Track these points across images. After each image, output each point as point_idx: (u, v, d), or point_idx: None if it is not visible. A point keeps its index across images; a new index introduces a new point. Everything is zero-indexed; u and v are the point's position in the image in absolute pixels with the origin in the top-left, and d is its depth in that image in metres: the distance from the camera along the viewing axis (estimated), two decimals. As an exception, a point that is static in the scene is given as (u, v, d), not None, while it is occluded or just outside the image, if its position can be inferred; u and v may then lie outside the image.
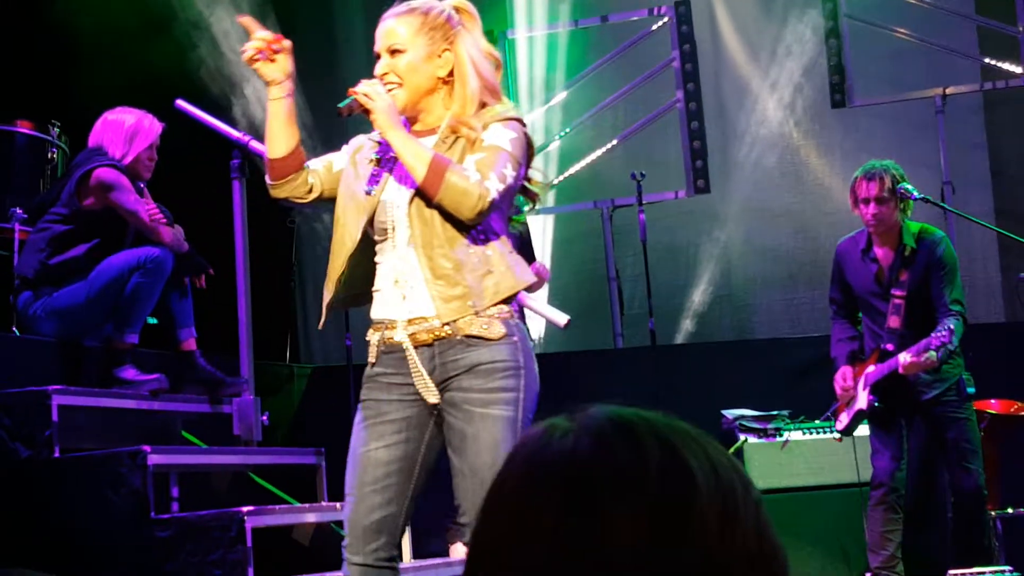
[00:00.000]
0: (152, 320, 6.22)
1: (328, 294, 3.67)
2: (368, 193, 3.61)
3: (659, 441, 1.12)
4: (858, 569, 6.64)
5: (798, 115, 11.34)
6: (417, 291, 3.53)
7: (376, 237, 3.63)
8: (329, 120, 10.44)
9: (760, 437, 7.33)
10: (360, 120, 3.70)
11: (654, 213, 9.52)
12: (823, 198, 10.82)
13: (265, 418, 6.25)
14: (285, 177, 3.68)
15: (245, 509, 4.93)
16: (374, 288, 3.65)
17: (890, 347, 6.00)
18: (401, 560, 3.71)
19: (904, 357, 5.82)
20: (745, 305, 11.36)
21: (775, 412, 7.49)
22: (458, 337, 3.50)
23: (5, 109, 7.19)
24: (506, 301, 3.55)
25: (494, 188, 3.44)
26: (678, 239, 11.25)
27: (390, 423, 3.57)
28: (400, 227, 3.56)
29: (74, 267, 6.01)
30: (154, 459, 5.05)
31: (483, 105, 3.63)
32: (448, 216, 3.48)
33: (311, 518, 5.63)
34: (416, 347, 3.53)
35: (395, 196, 3.58)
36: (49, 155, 7.21)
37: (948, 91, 10.22)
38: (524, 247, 6.37)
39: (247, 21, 3.63)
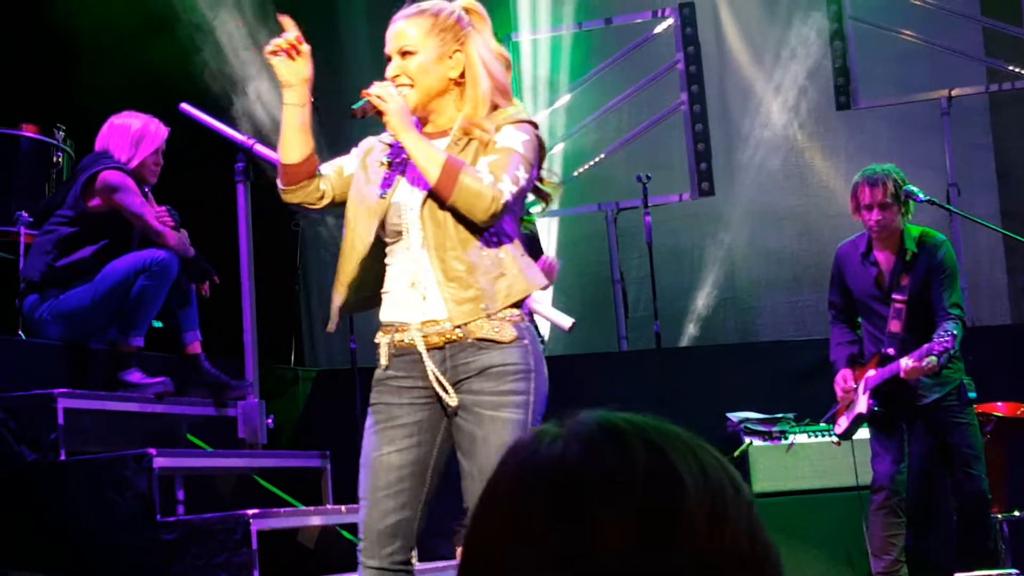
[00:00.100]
0: (157, 323, 6.22)
1: (339, 298, 3.66)
2: (381, 196, 3.60)
3: (646, 445, 1.13)
4: (862, 572, 6.63)
5: (803, 117, 11.33)
6: (431, 293, 3.53)
7: (388, 240, 3.62)
8: (332, 121, 10.46)
9: (765, 440, 7.32)
10: (364, 122, 3.70)
11: (658, 215, 9.52)
12: (828, 200, 10.81)
13: (270, 421, 6.26)
14: (298, 183, 3.67)
15: (250, 512, 4.93)
16: (384, 290, 3.65)
17: (891, 351, 5.99)
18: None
19: (906, 362, 5.81)
20: (750, 307, 11.36)
21: (780, 415, 7.49)
22: (469, 340, 3.50)
23: (10, 113, 7.19)
24: (518, 304, 3.55)
25: (507, 190, 3.43)
26: (682, 242, 11.25)
27: (401, 427, 3.57)
28: (413, 229, 3.56)
29: (80, 269, 6.01)
30: (159, 462, 5.05)
31: (495, 107, 3.63)
32: (461, 218, 3.47)
33: (316, 521, 5.63)
34: (428, 350, 3.53)
35: (407, 198, 3.57)
36: (54, 159, 7.22)
37: (954, 93, 10.21)
38: (533, 246, 6.36)
39: (286, 20, 3.62)
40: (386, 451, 3.56)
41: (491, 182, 3.42)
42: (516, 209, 3.59)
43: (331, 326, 3.76)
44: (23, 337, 6.22)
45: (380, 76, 3.65)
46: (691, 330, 11.16)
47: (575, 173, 10.61)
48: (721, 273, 11.29)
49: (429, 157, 3.45)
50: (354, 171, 3.73)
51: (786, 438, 7.29)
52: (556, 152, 10.72)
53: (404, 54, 3.61)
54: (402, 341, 3.57)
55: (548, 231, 10.93)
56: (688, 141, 10.40)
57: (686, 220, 11.14)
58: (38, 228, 6.25)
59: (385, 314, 3.64)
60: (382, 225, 3.59)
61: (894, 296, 6.03)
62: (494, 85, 3.63)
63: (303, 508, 5.85)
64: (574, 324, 4.27)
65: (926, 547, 6.67)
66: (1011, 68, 10.34)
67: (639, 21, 11.03)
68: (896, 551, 6.06)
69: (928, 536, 6.68)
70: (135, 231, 6.14)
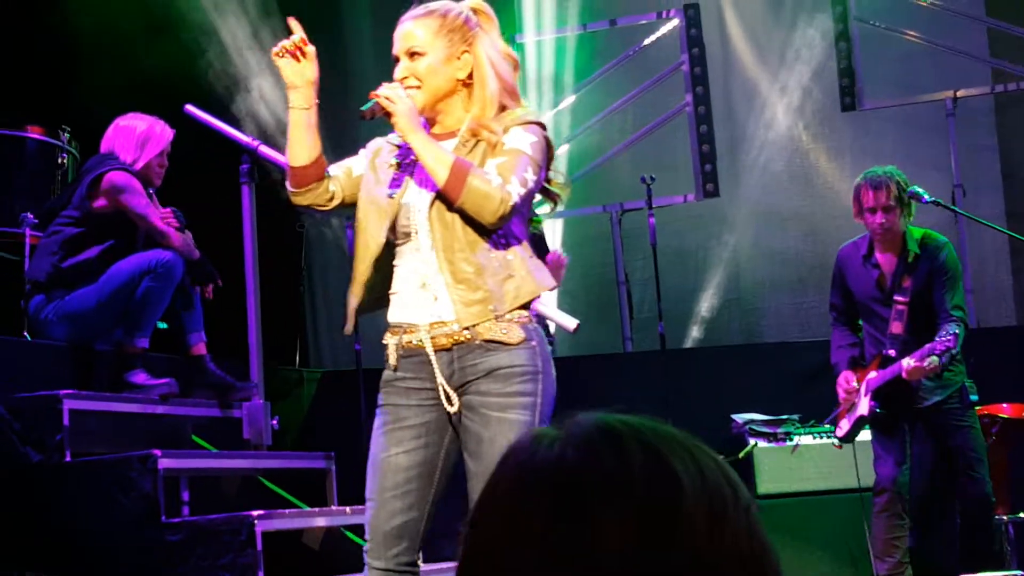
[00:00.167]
0: (162, 325, 6.22)
1: (354, 299, 3.66)
2: (390, 196, 3.60)
3: (644, 446, 1.13)
4: (866, 574, 6.62)
5: (807, 118, 11.33)
6: (442, 294, 3.53)
7: (397, 241, 3.62)
8: (337, 123, 10.47)
9: (770, 441, 7.32)
10: (370, 123, 3.69)
11: (663, 217, 9.51)
12: (832, 202, 10.81)
13: (275, 422, 6.26)
14: (307, 185, 3.67)
15: (255, 513, 4.93)
16: (392, 291, 3.64)
17: (892, 353, 5.98)
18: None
19: (908, 362, 5.80)
20: (754, 309, 11.36)
21: (785, 416, 7.48)
22: (477, 341, 3.49)
23: (15, 114, 7.20)
24: (526, 305, 3.54)
25: (515, 192, 3.43)
26: (687, 243, 11.25)
27: (410, 428, 3.57)
28: (422, 231, 3.56)
29: (86, 270, 6.02)
30: (164, 463, 5.05)
31: (503, 108, 3.62)
32: (469, 220, 3.47)
33: (321, 522, 5.64)
34: (435, 351, 3.53)
35: (416, 200, 3.57)
36: (59, 160, 7.22)
37: (959, 94, 10.21)
38: (539, 247, 6.37)
39: (294, 23, 3.61)
40: (394, 452, 3.56)
41: (499, 184, 3.41)
42: (524, 211, 3.59)
43: (348, 328, 3.75)
44: (28, 338, 6.23)
45: (384, 78, 3.65)
46: (695, 331, 11.16)
47: (580, 174, 10.61)
48: (725, 274, 11.29)
49: (437, 159, 3.44)
50: (363, 172, 3.73)
51: (791, 439, 7.29)
52: (561, 153, 10.71)
53: (412, 55, 3.60)
54: (410, 342, 3.57)
55: (553, 232, 10.93)
56: (693, 142, 10.40)
57: (691, 221, 11.14)
58: (43, 229, 6.26)
59: (393, 315, 3.63)
60: (392, 226, 3.59)
61: (896, 298, 6.02)
62: (502, 86, 3.63)
63: (308, 509, 5.86)
64: (579, 325, 4.26)
65: (930, 549, 6.66)
66: (1016, 69, 10.33)
67: (644, 22, 11.04)
68: (900, 553, 6.05)
69: (932, 538, 6.67)
70: (140, 232, 6.14)
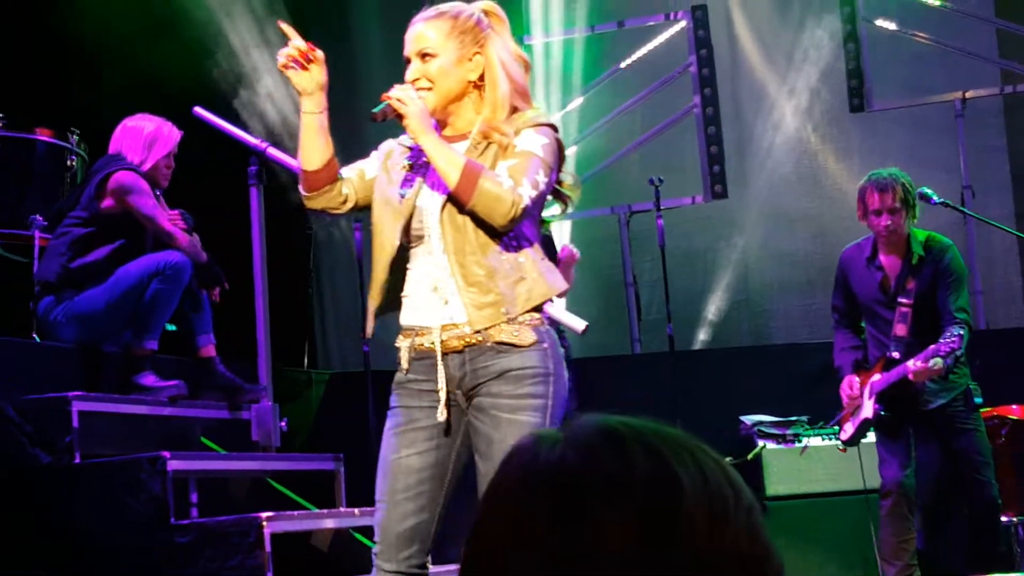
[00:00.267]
0: (170, 327, 6.23)
1: (374, 302, 3.65)
2: (402, 197, 3.60)
3: (645, 448, 1.14)
4: None
5: (816, 120, 11.33)
6: (453, 297, 3.52)
7: (411, 244, 3.61)
8: (344, 125, 10.47)
9: (779, 443, 7.31)
10: (380, 124, 3.69)
11: (671, 218, 9.52)
12: (841, 203, 10.79)
13: (284, 424, 6.26)
14: (320, 188, 3.66)
15: (264, 515, 4.93)
16: (404, 294, 3.64)
17: (896, 355, 5.96)
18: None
19: (913, 363, 5.78)
20: (763, 310, 11.35)
21: (793, 418, 7.48)
22: (489, 344, 3.49)
23: (24, 117, 7.21)
24: (538, 307, 3.54)
25: (527, 195, 3.42)
26: (696, 244, 11.25)
27: (421, 430, 3.56)
28: (434, 234, 3.55)
29: (94, 271, 6.02)
30: (173, 465, 5.06)
31: (514, 109, 3.61)
32: (480, 222, 3.46)
33: (330, 524, 5.64)
34: (447, 353, 3.53)
35: (428, 203, 3.56)
36: (68, 162, 7.23)
37: (967, 95, 10.20)
38: (547, 249, 6.36)
39: (287, 28, 3.61)
40: (405, 454, 3.55)
41: (510, 186, 3.40)
42: (536, 213, 3.58)
43: (368, 330, 3.74)
44: (37, 340, 6.24)
45: (393, 80, 3.64)
46: (704, 333, 11.16)
47: (588, 175, 10.61)
48: (734, 276, 11.29)
49: (449, 161, 3.44)
50: (376, 174, 3.72)
51: (799, 441, 7.28)
52: (569, 155, 10.62)
53: (424, 56, 3.59)
54: (422, 345, 3.56)
55: (560, 234, 10.93)
56: (701, 144, 10.40)
57: (699, 223, 11.14)
58: (52, 231, 6.27)
59: (406, 318, 3.63)
60: (406, 229, 3.59)
61: (900, 300, 6.00)
62: (513, 88, 3.62)
63: (316, 511, 5.86)
64: (587, 327, 4.26)
65: (937, 551, 6.65)
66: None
67: (651, 24, 11.03)
68: (908, 555, 6.04)
69: (939, 540, 6.66)
70: (148, 232, 6.15)
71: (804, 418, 7.44)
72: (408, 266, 3.63)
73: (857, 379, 6.13)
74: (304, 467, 6.34)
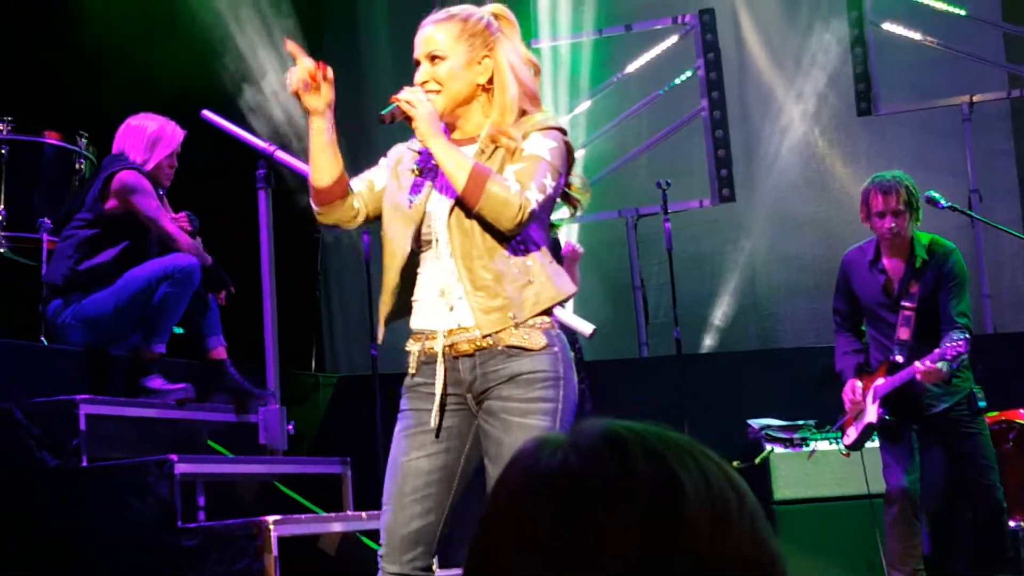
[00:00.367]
0: (178, 330, 6.23)
1: (384, 308, 3.65)
2: (413, 203, 3.59)
3: (648, 452, 1.15)
4: (883, 580, 6.62)
5: (823, 123, 11.33)
6: (461, 302, 3.52)
7: (421, 249, 3.61)
8: (352, 129, 10.48)
9: (786, 447, 7.30)
10: (387, 129, 3.69)
11: (679, 222, 9.51)
12: (848, 207, 10.76)
13: (291, 427, 6.26)
14: (331, 203, 3.66)
15: (271, 518, 4.93)
16: (414, 298, 3.64)
17: (900, 359, 5.96)
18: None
19: (923, 363, 5.77)
20: (770, 314, 11.35)
21: (801, 422, 7.47)
22: (499, 347, 3.48)
23: (33, 120, 7.22)
24: (547, 311, 3.54)
25: (534, 198, 3.42)
26: (703, 248, 11.25)
27: (431, 432, 3.55)
28: (442, 238, 3.55)
29: (102, 273, 6.02)
30: (181, 468, 5.06)
31: (523, 112, 3.60)
32: (488, 227, 3.46)
33: (337, 527, 5.64)
34: (457, 357, 3.53)
35: (437, 207, 3.57)
36: (77, 166, 7.23)
37: (975, 99, 10.19)
38: (554, 251, 6.36)
39: (293, 48, 3.59)
40: (414, 456, 3.55)
41: (518, 190, 3.40)
42: (544, 216, 3.58)
43: (379, 337, 3.74)
44: (45, 343, 6.24)
45: (401, 82, 3.64)
46: (711, 337, 11.15)
47: (595, 179, 10.61)
48: (741, 279, 11.28)
49: (457, 164, 3.44)
50: (385, 184, 3.72)
51: (807, 445, 7.27)
52: (577, 158, 10.70)
53: (433, 59, 3.59)
54: (431, 349, 3.56)
55: (568, 237, 10.92)
56: (708, 147, 10.40)
57: (706, 226, 11.13)
58: (59, 234, 6.27)
59: (415, 322, 3.63)
60: (416, 234, 3.59)
61: (903, 303, 6.00)
62: (522, 91, 3.61)
63: (324, 515, 5.86)
64: (595, 330, 4.26)
65: (944, 556, 6.65)
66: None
67: (659, 27, 11.03)
68: (915, 561, 6.03)
69: (946, 545, 6.65)
70: (152, 233, 6.15)
71: (811, 422, 7.43)
72: (418, 270, 3.63)
73: (860, 383, 6.12)
74: (311, 471, 6.34)
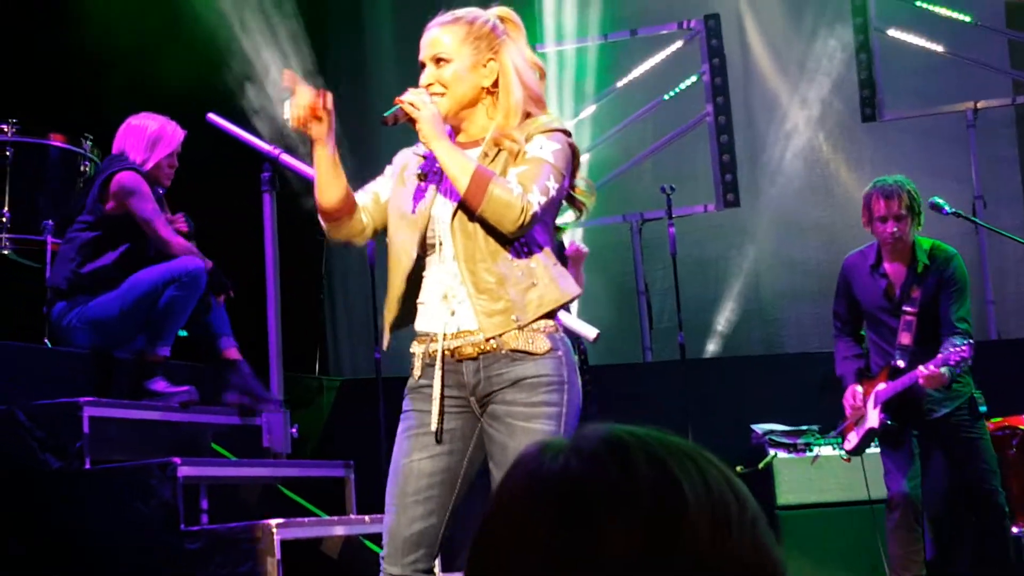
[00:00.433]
0: (182, 333, 6.22)
1: (390, 315, 3.64)
2: (417, 208, 3.59)
3: (649, 457, 1.15)
4: (887, 585, 6.61)
5: (828, 129, 11.33)
6: (463, 305, 3.52)
7: (426, 253, 3.61)
8: (357, 132, 10.49)
9: (790, 452, 7.30)
10: (391, 130, 3.69)
11: (683, 227, 9.51)
12: (853, 212, 10.66)
13: (294, 430, 6.26)
14: (339, 220, 3.67)
15: (274, 521, 4.94)
16: (419, 301, 3.64)
17: (901, 364, 5.95)
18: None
19: (926, 367, 5.76)
20: (774, 319, 11.34)
21: (805, 427, 7.46)
22: (503, 351, 3.48)
23: (38, 122, 7.23)
24: (551, 314, 3.53)
25: (536, 201, 3.41)
26: (707, 253, 11.25)
27: (433, 434, 3.56)
28: (446, 242, 3.55)
29: (106, 275, 6.01)
30: (184, 471, 5.06)
31: (527, 115, 3.60)
32: (491, 230, 3.45)
33: (340, 531, 5.64)
34: (460, 360, 3.52)
35: (441, 211, 3.56)
36: (82, 168, 7.23)
37: (979, 105, 10.19)
38: (560, 254, 6.36)
39: (290, 79, 3.58)
40: (417, 457, 3.55)
41: (520, 193, 3.40)
42: (548, 219, 3.58)
43: (384, 344, 3.73)
44: (49, 345, 6.24)
45: (406, 85, 3.64)
46: (716, 341, 11.15)
47: (600, 184, 10.61)
48: (746, 284, 11.28)
49: (460, 166, 3.44)
50: (390, 193, 3.72)
51: (811, 450, 7.27)
52: (582, 162, 10.70)
53: (438, 61, 3.59)
54: (435, 351, 3.56)
55: (572, 241, 10.92)
56: (713, 152, 10.41)
57: (711, 231, 11.13)
58: (62, 236, 6.27)
59: (419, 324, 3.63)
60: (422, 239, 3.59)
61: (905, 308, 5.99)
62: (527, 94, 3.61)
63: (327, 518, 5.86)
64: (599, 335, 4.26)
65: (946, 561, 6.64)
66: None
67: (664, 33, 11.04)
68: (917, 567, 6.02)
69: (949, 550, 6.64)
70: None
71: (815, 427, 7.43)
72: (423, 274, 3.63)
73: (860, 388, 6.11)
74: (314, 474, 6.34)
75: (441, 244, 3.56)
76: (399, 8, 11.52)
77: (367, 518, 5.64)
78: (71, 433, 5.26)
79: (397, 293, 3.62)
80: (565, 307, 3.68)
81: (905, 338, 5.98)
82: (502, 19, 3.69)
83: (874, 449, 6.21)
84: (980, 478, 5.98)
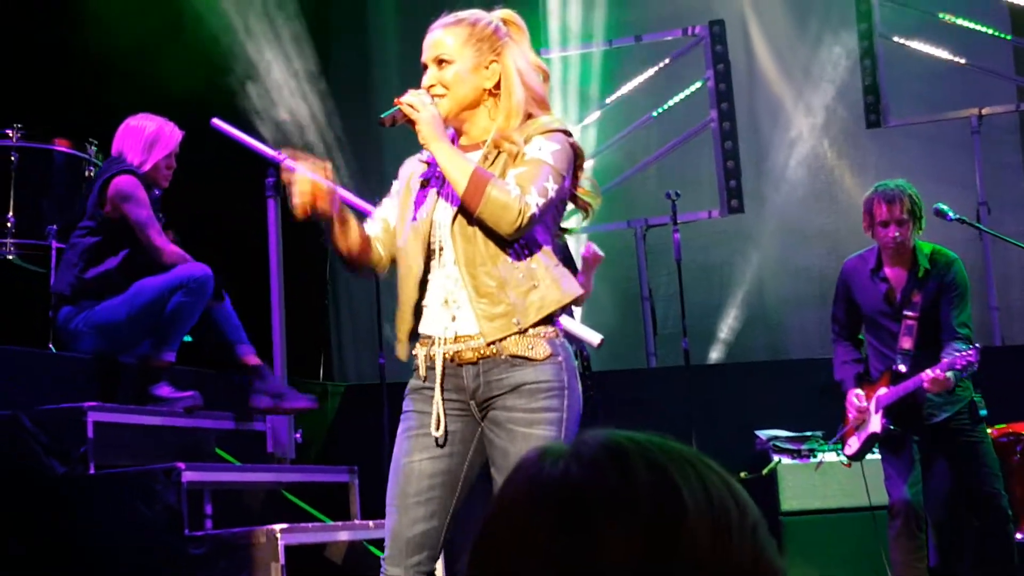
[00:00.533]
0: (187, 338, 6.22)
1: (404, 325, 3.63)
2: (420, 216, 3.60)
3: (648, 463, 1.16)
4: (890, 592, 6.60)
5: (832, 135, 11.33)
6: (464, 310, 3.52)
7: (430, 258, 3.62)
8: (361, 136, 10.51)
9: (794, 458, 7.30)
10: (394, 132, 3.70)
11: (688, 233, 9.51)
12: (857, 219, 10.58)
13: (298, 436, 6.26)
14: (360, 261, 3.71)
15: (278, 527, 4.94)
16: (423, 303, 3.64)
17: (903, 368, 5.95)
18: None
19: (933, 371, 5.75)
20: (779, 325, 11.34)
21: (809, 433, 7.46)
22: (503, 356, 3.47)
23: (43, 128, 7.23)
24: (550, 318, 3.52)
25: (534, 203, 3.41)
26: (712, 259, 11.25)
27: (435, 437, 3.57)
28: (447, 246, 3.55)
29: (110, 281, 6.00)
30: (188, 476, 5.06)
31: (529, 116, 3.59)
32: (490, 233, 3.45)
33: (344, 536, 5.64)
34: (461, 365, 3.52)
35: (442, 215, 3.57)
36: (86, 173, 7.23)
37: (984, 111, 10.19)
38: (564, 256, 6.34)
39: (288, 165, 3.56)
40: (417, 458, 3.55)
41: (518, 194, 3.39)
42: (548, 220, 3.56)
43: (400, 353, 3.70)
44: (53, 350, 6.25)
45: (410, 86, 3.63)
46: (720, 347, 11.15)
47: (604, 189, 10.61)
48: (750, 290, 11.28)
49: (459, 168, 3.43)
50: (398, 204, 3.73)
51: (815, 456, 7.27)
52: (587, 166, 10.69)
53: (440, 63, 3.59)
54: (434, 355, 3.57)
55: (576, 248, 10.91)
56: (718, 158, 10.41)
57: (715, 237, 11.14)
58: (66, 241, 6.26)
59: (423, 327, 3.63)
60: (426, 245, 3.59)
61: (906, 312, 5.99)
62: (530, 96, 3.60)
63: (331, 523, 5.86)
64: (603, 340, 4.26)
65: (950, 567, 6.63)
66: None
67: (669, 39, 11.04)
68: (920, 573, 6.01)
69: (952, 555, 6.64)
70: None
71: (819, 433, 7.42)
72: (428, 278, 3.63)
73: (861, 392, 6.11)
74: (319, 479, 6.34)
75: (442, 249, 3.56)
76: (403, 9, 11.53)
77: (371, 523, 5.64)
78: (75, 438, 5.27)
79: (410, 302, 3.62)
80: (569, 311, 3.67)
81: (906, 342, 5.97)
82: (505, 21, 3.69)
83: (874, 455, 6.20)
84: (982, 481, 5.97)
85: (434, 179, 3.62)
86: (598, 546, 1.11)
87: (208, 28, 9.04)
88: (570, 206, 3.72)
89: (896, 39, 10.43)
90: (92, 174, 7.24)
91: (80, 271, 6.02)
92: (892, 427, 5.98)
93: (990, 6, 10.71)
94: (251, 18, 9.49)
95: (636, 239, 10.52)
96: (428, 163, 3.66)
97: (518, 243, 3.49)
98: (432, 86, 3.59)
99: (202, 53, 8.80)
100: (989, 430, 6.20)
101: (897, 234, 5.94)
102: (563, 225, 3.74)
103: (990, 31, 10.42)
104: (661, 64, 10.97)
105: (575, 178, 3.64)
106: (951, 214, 6.34)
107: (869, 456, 6.21)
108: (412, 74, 3.72)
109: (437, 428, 3.53)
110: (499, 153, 3.55)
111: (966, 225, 6.71)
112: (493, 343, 3.47)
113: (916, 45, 10.47)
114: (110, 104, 7.75)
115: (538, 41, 10.83)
